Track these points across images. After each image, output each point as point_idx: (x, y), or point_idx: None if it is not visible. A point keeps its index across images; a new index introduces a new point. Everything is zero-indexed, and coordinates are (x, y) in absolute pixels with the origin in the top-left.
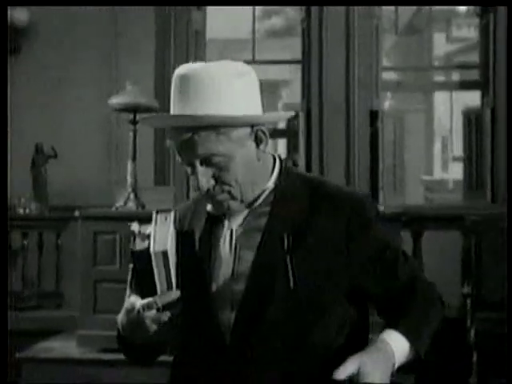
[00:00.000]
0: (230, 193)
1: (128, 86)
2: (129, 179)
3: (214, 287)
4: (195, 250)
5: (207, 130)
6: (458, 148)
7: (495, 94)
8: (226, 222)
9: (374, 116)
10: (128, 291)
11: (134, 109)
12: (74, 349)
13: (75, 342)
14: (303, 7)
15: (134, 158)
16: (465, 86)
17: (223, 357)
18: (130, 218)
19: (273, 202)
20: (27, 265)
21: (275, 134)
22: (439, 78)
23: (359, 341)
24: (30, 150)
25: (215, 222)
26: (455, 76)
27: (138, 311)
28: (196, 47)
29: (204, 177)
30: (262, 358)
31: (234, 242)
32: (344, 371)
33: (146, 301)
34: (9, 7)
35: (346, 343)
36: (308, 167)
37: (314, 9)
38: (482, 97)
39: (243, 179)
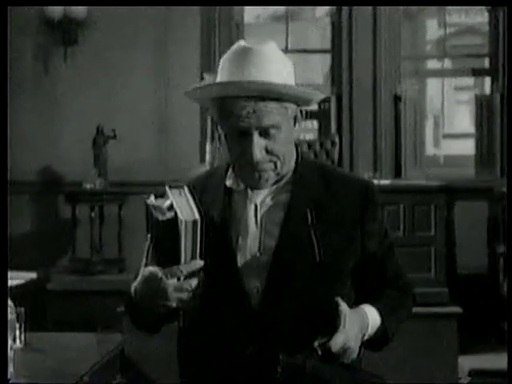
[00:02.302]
0: (275, 164)
1: (206, 77)
2: (207, 158)
3: (240, 258)
4: (218, 222)
5: (273, 101)
6: (448, 126)
7: (504, 80)
8: (249, 198)
9: (397, 100)
10: (144, 260)
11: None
12: None
13: None
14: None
15: (212, 140)
16: (476, 73)
17: (250, 321)
18: None
19: (294, 180)
20: (94, 235)
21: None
22: (432, 64)
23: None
24: (91, 131)
25: (235, 196)
26: (447, 63)
27: (161, 279)
28: (237, 36)
29: (257, 147)
30: (286, 321)
31: (259, 216)
32: (340, 343)
33: (169, 269)
34: None
35: None
36: (340, 146)
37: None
38: (492, 83)
39: (286, 154)
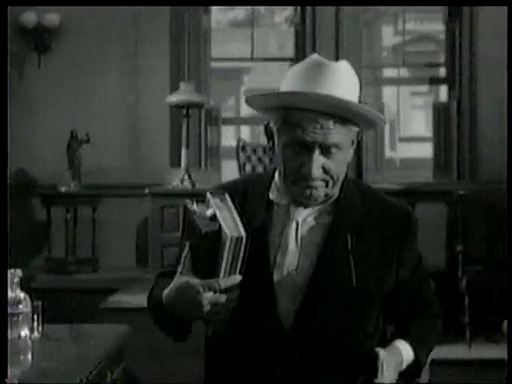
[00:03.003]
0: (327, 184)
1: (182, 86)
2: (183, 163)
3: (276, 276)
4: (258, 236)
5: (342, 120)
6: (403, 130)
7: (461, 88)
8: (291, 214)
9: None
10: (180, 268)
11: (187, 105)
12: (144, 300)
13: (146, 295)
14: (298, 11)
15: (187, 146)
16: (434, 81)
17: (279, 341)
18: (190, 194)
19: (337, 203)
20: (69, 236)
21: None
22: (389, 71)
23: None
24: (66, 135)
25: (276, 210)
26: (404, 70)
27: (198, 291)
28: (205, 45)
29: (316, 163)
30: (316, 344)
31: (299, 234)
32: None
33: (207, 281)
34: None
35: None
36: None
37: (309, 13)
38: (449, 91)
39: (340, 175)
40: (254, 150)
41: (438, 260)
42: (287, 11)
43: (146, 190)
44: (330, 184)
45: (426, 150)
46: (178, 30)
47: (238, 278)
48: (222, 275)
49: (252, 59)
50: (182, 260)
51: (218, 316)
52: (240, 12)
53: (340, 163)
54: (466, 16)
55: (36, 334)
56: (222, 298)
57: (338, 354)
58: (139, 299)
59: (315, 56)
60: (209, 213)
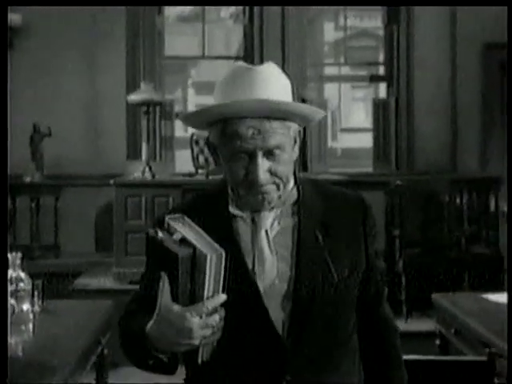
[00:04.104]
0: (278, 186)
1: (142, 85)
2: (144, 156)
3: (259, 285)
4: (232, 252)
5: (279, 121)
6: (344, 121)
7: (399, 86)
8: (257, 223)
9: (304, 103)
10: (159, 300)
11: (147, 103)
12: (111, 282)
13: (111, 278)
14: (246, 13)
15: (147, 141)
16: (373, 79)
17: (280, 351)
18: (152, 184)
19: (297, 202)
20: (33, 224)
21: None
22: (331, 68)
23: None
24: (28, 129)
25: (240, 222)
26: (345, 68)
27: (185, 317)
28: (159, 44)
29: (262, 169)
30: (313, 348)
31: (271, 241)
32: None
33: (193, 307)
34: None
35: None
36: None
37: (256, 14)
38: (388, 88)
39: (289, 175)
40: None
41: (377, 243)
42: (232, 7)
43: (111, 181)
44: (281, 186)
45: (365, 140)
46: (133, 30)
47: (222, 297)
48: (206, 296)
49: (203, 57)
50: (161, 290)
51: (208, 340)
52: (186, 7)
53: (286, 163)
54: (404, 19)
55: (37, 307)
56: (211, 319)
57: (332, 353)
58: (102, 282)
59: (240, 63)
60: (176, 237)
